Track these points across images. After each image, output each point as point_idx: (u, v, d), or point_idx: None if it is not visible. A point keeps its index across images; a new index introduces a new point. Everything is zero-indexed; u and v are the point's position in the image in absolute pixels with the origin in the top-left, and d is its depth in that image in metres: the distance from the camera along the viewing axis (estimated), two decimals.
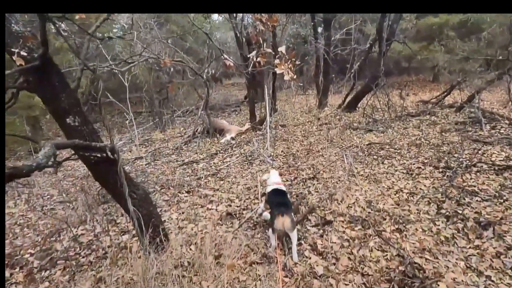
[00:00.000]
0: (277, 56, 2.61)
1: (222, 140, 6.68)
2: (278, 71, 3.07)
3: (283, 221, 2.59)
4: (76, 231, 3.30)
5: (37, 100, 6.53)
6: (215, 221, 3.34)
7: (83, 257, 2.87)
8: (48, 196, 4.65)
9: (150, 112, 9.81)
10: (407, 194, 3.53)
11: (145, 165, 5.67)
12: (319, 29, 10.32)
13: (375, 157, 4.73)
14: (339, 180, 4.07)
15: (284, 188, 3.16)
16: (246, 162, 5.23)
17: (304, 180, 4.24)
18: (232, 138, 6.78)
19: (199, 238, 2.95)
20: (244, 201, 3.80)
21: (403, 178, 3.95)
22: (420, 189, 3.61)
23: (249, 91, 7.68)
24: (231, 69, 3.24)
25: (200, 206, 3.78)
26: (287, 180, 4.32)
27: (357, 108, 8.25)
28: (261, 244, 2.85)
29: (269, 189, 3.14)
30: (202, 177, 4.69)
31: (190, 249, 2.81)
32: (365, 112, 7.35)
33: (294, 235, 2.63)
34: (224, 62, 3.35)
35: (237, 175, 4.67)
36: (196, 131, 7.20)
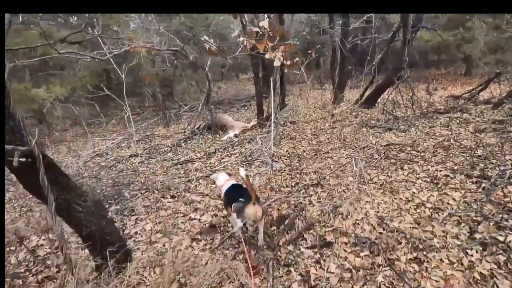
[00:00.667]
0: (259, 34, 2.02)
1: (223, 137, 6.17)
2: (267, 56, 2.50)
3: (256, 210, 2.34)
4: (38, 241, 2.92)
5: (34, 92, 6.31)
6: (193, 236, 2.84)
7: (33, 275, 2.46)
8: (30, 196, 4.34)
9: (154, 107, 9.46)
10: (431, 210, 2.84)
11: (138, 163, 5.27)
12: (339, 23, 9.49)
13: (393, 160, 4.02)
14: (347, 189, 3.44)
15: (240, 183, 2.88)
16: (245, 163, 4.70)
17: (306, 187, 3.64)
18: (236, 135, 6.25)
19: (168, 258, 2.45)
20: None
21: (426, 188, 3.24)
22: (448, 203, 2.90)
23: (257, 85, 7.10)
24: (213, 54, 2.71)
25: (182, 215, 3.28)
26: (287, 186, 3.74)
27: (376, 104, 7.45)
28: (240, 270, 2.30)
29: (224, 188, 2.79)
30: (193, 179, 4.20)
31: (154, 273, 2.32)
32: (385, 108, 6.55)
33: (262, 224, 2.54)
34: (207, 47, 2.83)
35: None
36: (198, 127, 6.73)
